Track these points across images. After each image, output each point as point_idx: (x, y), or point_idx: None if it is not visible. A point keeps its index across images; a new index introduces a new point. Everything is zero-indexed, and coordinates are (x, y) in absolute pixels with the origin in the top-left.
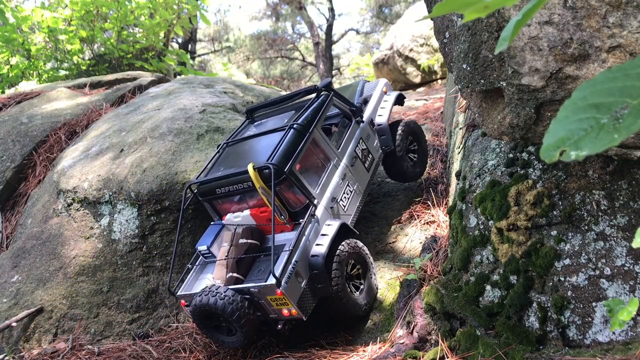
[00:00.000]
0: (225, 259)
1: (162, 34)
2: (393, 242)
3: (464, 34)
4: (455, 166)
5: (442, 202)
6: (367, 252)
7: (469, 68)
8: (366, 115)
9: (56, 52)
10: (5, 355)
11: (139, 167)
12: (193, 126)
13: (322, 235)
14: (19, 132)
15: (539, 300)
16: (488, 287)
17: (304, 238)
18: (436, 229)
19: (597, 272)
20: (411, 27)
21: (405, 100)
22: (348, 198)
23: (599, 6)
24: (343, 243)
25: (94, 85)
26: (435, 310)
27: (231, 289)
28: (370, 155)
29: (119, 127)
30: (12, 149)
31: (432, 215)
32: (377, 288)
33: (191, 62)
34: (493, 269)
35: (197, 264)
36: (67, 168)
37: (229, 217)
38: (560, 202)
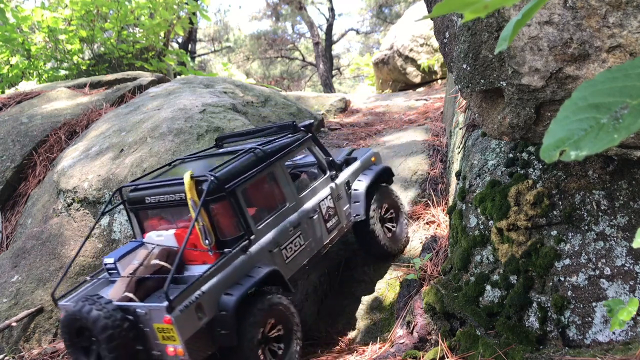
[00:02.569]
0: (128, 277)
1: (162, 34)
2: None
3: (464, 34)
4: (455, 166)
5: (442, 202)
6: (297, 319)
7: (469, 68)
8: (344, 175)
9: (56, 52)
10: (5, 355)
11: (139, 167)
12: (193, 126)
13: (247, 276)
14: (19, 132)
15: (539, 300)
16: (488, 287)
17: (223, 271)
18: (436, 229)
19: (597, 272)
20: (411, 27)
21: (393, 177)
22: (295, 250)
23: (599, 6)
24: (269, 296)
25: (94, 85)
26: (435, 310)
27: (115, 303)
28: (335, 217)
29: (119, 127)
30: (12, 149)
31: (432, 215)
32: None
33: (191, 62)
34: (493, 269)
35: (99, 278)
36: (67, 168)
37: (151, 235)
38: (560, 202)
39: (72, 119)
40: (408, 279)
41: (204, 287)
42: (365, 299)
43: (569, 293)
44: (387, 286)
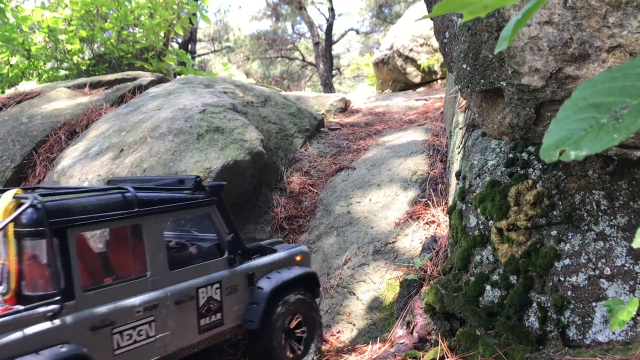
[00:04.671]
0: None
1: (162, 34)
2: (393, 242)
3: (464, 34)
4: (455, 166)
5: (442, 202)
6: None
7: (469, 68)
8: (250, 265)
9: (56, 52)
10: None
11: (139, 167)
12: (193, 126)
13: (34, 354)
14: (19, 132)
15: (539, 300)
16: (488, 287)
17: (3, 335)
18: (436, 229)
19: (597, 272)
20: (411, 27)
21: (318, 290)
22: (136, 341)
23: (599, 6)
24: None
25: (94, 85)
26: (435, 310)
27: None
28: (217, 315)
29: (119, 127)
30: (12, 149)
31: (432, 215)
32: None
33: (191, 62)
34: (493, 269)
35: None
36: (67, 168)
37: None
38: (560, 202)
39: (72, 119)
40: (408, 279)
41: None
42: (365, 299)
43: (569, 293)
44: (387, 286)
